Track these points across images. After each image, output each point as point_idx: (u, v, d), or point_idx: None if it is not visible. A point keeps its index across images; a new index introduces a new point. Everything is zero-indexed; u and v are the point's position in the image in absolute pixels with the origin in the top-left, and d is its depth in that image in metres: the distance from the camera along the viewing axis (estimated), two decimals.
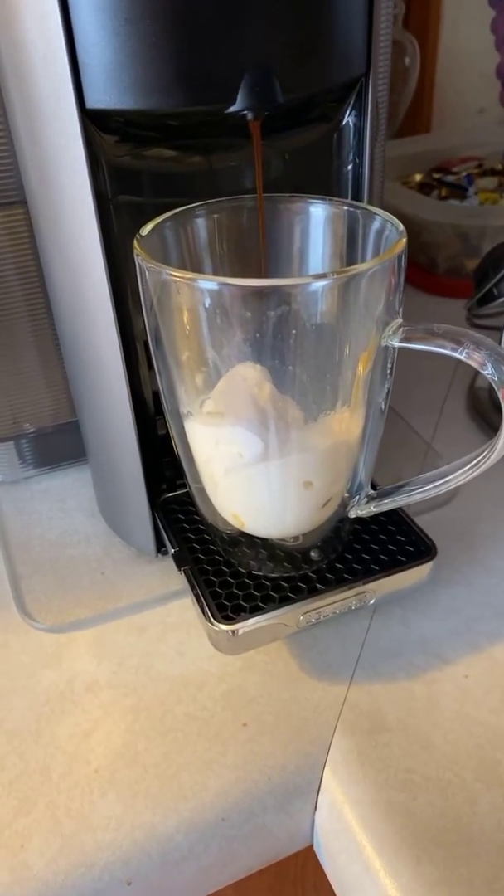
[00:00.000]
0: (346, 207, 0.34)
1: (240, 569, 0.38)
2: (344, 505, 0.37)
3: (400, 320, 0.31)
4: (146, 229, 0.32)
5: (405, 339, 0.30)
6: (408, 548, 0.40)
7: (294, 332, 0.29)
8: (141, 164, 0.37)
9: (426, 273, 0.76)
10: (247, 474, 0.34)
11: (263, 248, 0.36)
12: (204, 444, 0.34)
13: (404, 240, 0.30)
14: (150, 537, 0.44)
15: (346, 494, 0.36)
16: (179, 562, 0.39)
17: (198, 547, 0.40)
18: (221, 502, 0.36)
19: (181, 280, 0.28)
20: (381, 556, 0.39)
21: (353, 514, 0.37)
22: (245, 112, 0.30)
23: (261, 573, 0.38)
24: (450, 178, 0.84)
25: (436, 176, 0.85)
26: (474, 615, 0.42)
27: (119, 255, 0.35)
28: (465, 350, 0.29)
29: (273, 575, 0.38)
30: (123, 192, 0.36)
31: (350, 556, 0.39)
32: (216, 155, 0.37)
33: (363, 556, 0.39)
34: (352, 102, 0.36)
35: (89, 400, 0.41)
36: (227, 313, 0.29)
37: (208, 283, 0.28)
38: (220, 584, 0.38)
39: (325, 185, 0.38)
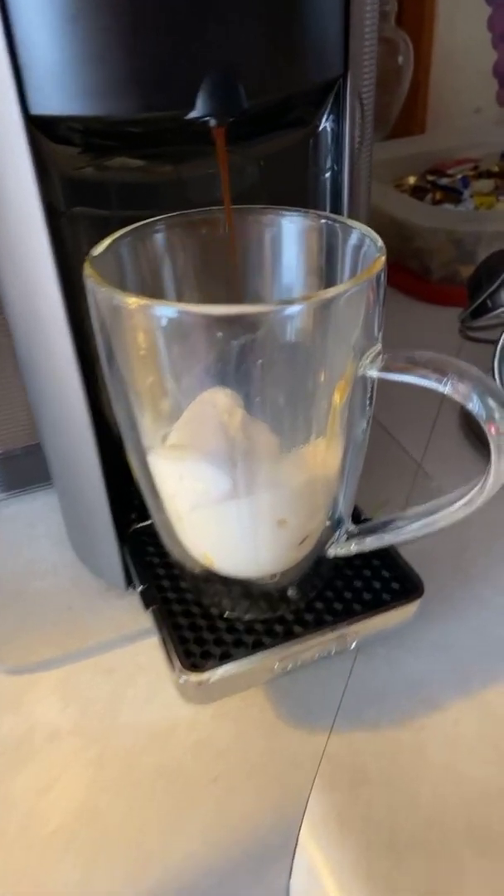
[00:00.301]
0: (323, 220, 0.32)
1: (211, 609, 0.36)
2: (323, 542, 0.34)
3: (379, 346, 0.28)
4: (99, 248, 0.29)
5: (384, 369, 0.27)
6: (393, 584, 0.37)
7: (261, 361, 0.26)
8: (103, 176, 0.34)
9: (419, 280, 0.73)
10: (215, 511, 0.31)
11: (234, 265, 0.33)
12: (167, 479, 0.31)
13: (383, 258, 0.28)
14: (119, 570, 0.41)
15: (325, 531, 0.33)
16: (147, 601, 0.37)
17: (168, 584, 0.38)
18: (189, 539, 0.33)
19: (135, 307, 0.26)
20: (364, 594, 0.36)
21: (332, 553, 0.34)
22: (207, 119, 0.28)
23: (234, 614, 0.35)
24: (444, 181, 0.81)
25: (430, 178, 0.82)
26: (466, 654, 0.39)
27: (77, 271, 0.32)
28: (449, 381, 0.26)
29: (247, 617, 0.35)
30: (83, 204, 0.34)
31: (331, 594, 0.36)
32: (185, 164, 0.34)
33: (345, 593, 0.36)
34: (329, 106, 0.33)
35: (49, 423, 0.38)
36: (188, 342, 0.26)
37: (166, 310, 0.25)
38: (190, 626, 0.35)
39: (301, 194, 0.36)
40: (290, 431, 0.29)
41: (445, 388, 0.26)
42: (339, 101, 0.33)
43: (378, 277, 0.27)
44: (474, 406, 0.26)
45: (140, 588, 0.37)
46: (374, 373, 0.28)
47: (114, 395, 0.30)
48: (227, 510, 0.30)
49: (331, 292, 0.25)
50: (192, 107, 0.27)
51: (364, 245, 0.30)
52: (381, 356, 0.28)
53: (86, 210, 0.34)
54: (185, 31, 0.26)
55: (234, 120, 0.28)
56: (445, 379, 0.26)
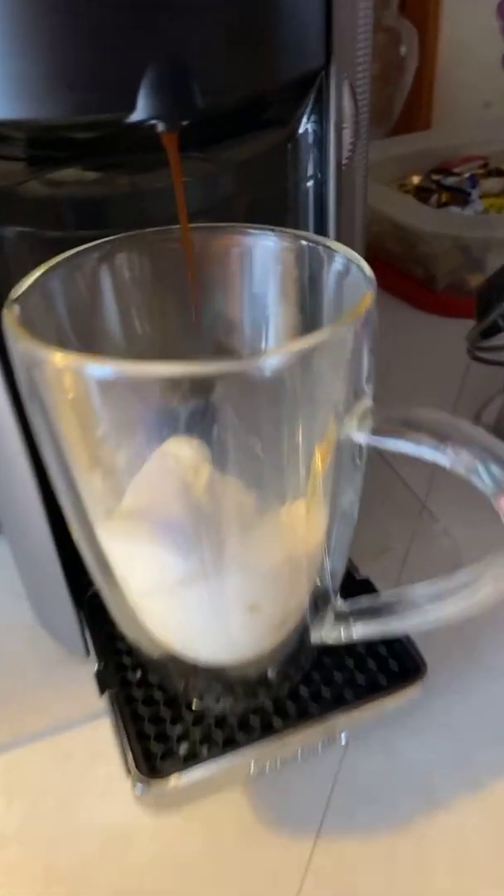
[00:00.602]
0: (302, 241, 0.26)
1: (177, 698, 0.30)
2: (305, 623, 0.29)
3: (368, 403, 0.23)
4: (22, 286, 0.23)
5: (374, 432, 0.22)
6: (391, 663, 0.32)
7: (217, 427, 0.21)
8: (47, 191, 0.28)
9: (424, 289, 0.68)
10: (174, 596, 0.26)
11: (193, 295, 0.27)
12: (117, 559, 0.26)
13: (370, 294, 0.22)
14: (78, 637, 0.36)
15: (308, 609, 0.28)
16: (102, 684, 0.32)
17: (129, 661, 0.33)
18: (146, 623, 0.28)
19: (62, 364, 0.20)
20: (357, 676, 0.31)
21: (317, 639, 0.28)
22: (153, 122, 0.22)
23: (202, 704, 0.30)
24: (451, 181, 0.76)
25: (435, 178, 0.77)
26: (474, 737, 0.34)
27: None
28: (450, 449, 0.21)
29: (218, 707, 0.30)
30: (21, 224, 0.28)
31: (317, 676, 0.31)
32: (145, 174, 0.29)
33: (334, 674, 0.31)
34: (310, 103, 0.28)
35: None
36: (130, 405, 0.21)
37: (100, 370, 0.20)
38: (151, 717, 0.30)
39: (280, 208, 0.30)
40: (260, 505, 0.24)
41: (445, 459, 0.21)
42: (322, 98, 0.27)
43: (366, 319, 0.22)
44: (480, 480, 0.21)
45: (96, 667, 0.32)
46: (360, 436, 0.22)
47: (46, 457, 0.25)
48: (189, 595, 0.25)
49: (307, 342, 0.20)
50: (132, 108, 0.22)
51: (349, 272, 0.25)
52: (369, 416, 0.22)
53: (24, 231, 0.28)
54: (122, 14, 0.21)
55: (188, 123, 0.23)
56: (445, 446, 0.21)
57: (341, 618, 0.28)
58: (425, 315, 0.67)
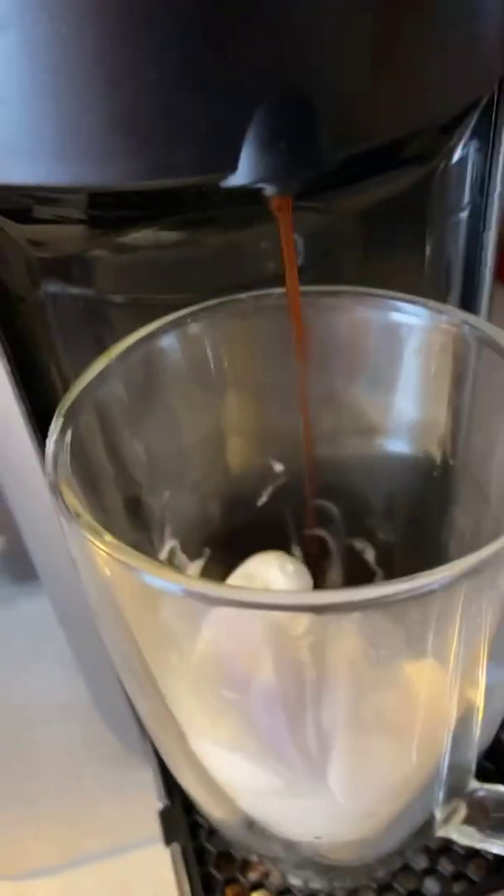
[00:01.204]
0: (465, 327, 0.19)
1: (255, 864, 0.25)
2: (428, 804, 0.22)
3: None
4: (72, 394, 0.17)
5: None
6: None
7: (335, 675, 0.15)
8: (115, 258, 0.22)
9: None
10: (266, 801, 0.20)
11: (302, 389, 0.21)
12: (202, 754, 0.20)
13: None
14: (137, 737, 0.30)
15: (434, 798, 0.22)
16: (169, 831, 0.26)
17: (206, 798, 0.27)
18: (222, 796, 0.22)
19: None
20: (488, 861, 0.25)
21: (442, 833, 0.22)
22: (262, 187, 0.16)
23: (294, 881, 0.24)
24: None
25: None
26: None
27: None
28: None
29: (311, 887, 0.24)
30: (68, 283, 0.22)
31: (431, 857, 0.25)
32: (230, 229, 0.22)
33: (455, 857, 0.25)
34: (469, 129, 0.20)
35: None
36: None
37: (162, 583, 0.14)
38: (226, 883, 0.25)
39: (415, 262, 0.23)
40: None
41: None
42: (495, 117, 0.20)
43: None
44: None
45: (160, 806, 0.27)
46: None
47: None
48: (276, 805, 0.19)
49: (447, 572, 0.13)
50: (232, 169, 0.15)
51: None
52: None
53: (83, 294, 0.22)
54: (211, 35, 0.14)
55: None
56: None
57: (475, 808, 0.22)
58: None
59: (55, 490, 0.16)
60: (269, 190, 0.16)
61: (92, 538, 0.14)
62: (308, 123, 0.15)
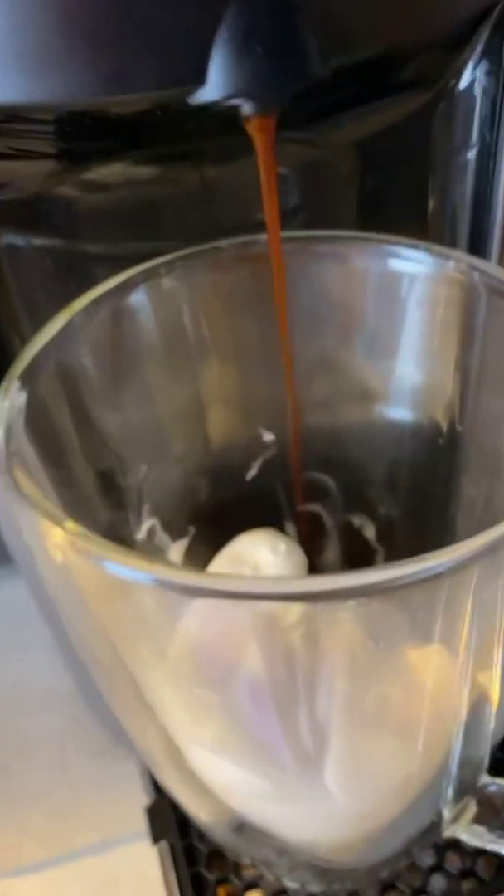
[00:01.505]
0: (474, 274, 0.17)
1: (248, 865, 0.23)
2: (434, 801, 0.20)
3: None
4: (27, 355, 0.15)
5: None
6: None
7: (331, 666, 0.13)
8: (84, 196, 0.19)
9: None
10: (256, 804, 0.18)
11: (283, 340, 0.18)
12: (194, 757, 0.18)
13: None
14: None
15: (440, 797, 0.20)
16: (156, 828, 0.24)
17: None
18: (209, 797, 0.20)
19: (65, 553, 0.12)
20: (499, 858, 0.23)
21: (449, 833, 0.20)
22: (238, 103, 0.13)
23: (290, 883, 0.23)
24: None
25: None
26: None
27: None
28: None
29: (308, 889, 0.22)
30: (46, 235, 0.19)
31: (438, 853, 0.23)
32: (216, 166, 0.20)
33: (464, 853, 0.23)
34: (479, 49, 0.18)
35: None
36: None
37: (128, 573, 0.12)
38: (217, 883, 0.23)
39: (417, 205, 0.21)
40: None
41: None
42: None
43: None
44: None
45: (147, 801, 0.25)
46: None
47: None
48: (272, 809, 0.17)
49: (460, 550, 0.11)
50: (200, 81, 0.13)
51: None
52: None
53: (49, 244, 0.20)
54: None
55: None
56: None
57: (485, 803, 0.20)
58: None
59: (6, 464, 0.14)
60: (246, 108, 0.13)
61: (36, 513, 0.12)
62: (289, 23, 0.12)
